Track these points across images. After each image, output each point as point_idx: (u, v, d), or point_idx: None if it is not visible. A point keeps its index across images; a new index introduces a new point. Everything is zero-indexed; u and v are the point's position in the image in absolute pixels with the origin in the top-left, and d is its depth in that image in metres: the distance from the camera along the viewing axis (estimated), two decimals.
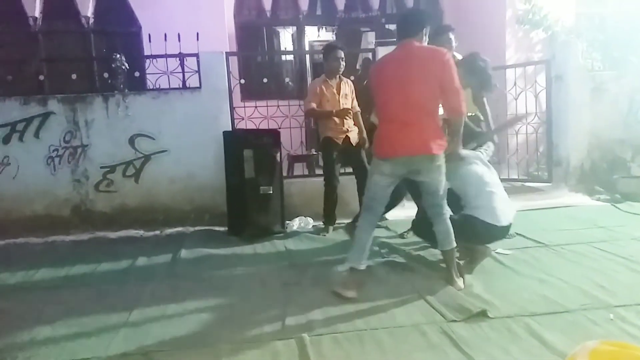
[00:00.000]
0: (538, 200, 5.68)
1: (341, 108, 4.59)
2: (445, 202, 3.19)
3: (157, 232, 5.00)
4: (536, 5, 7.24)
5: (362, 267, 3.16)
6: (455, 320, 2.66)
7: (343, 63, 4.64)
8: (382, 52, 5.40)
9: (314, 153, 6.02)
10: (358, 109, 4.86)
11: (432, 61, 2.99)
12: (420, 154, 3.03)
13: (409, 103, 3.01)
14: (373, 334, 2.56)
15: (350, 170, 4.89)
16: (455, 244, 3.20)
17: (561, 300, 2.86)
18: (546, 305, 2.82)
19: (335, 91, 4.67)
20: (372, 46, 7.00)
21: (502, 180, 4.69)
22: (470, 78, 3.63)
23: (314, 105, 4.59)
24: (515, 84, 6.22)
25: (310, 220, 5.04)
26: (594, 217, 4.88)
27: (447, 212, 3.21)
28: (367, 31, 8.79)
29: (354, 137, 4.72)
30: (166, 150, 5.19)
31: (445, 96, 3.01)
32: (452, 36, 4.28)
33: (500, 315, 2.71)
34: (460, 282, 3.18)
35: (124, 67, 5.17)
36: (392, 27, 8.91)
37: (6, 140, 5.03)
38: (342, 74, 4.71)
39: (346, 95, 4.74)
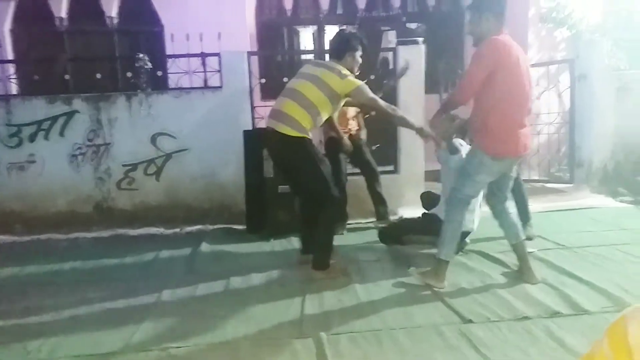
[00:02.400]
0: (559, 202, 5.60)
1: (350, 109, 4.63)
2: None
3: (177, 229, 5.06)
4: (560, 3, 7.13)
5: (452, 259, 3.24)
6: (472, 321, 2.65)
7: (360, 60, 4.63)
8: (402, 51, 5.38)
9: None
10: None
11: None
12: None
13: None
14: (390, 334, 2.56)
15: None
16: (522, 237, 3.31)
17: (582, 303, 2.82)
18: (566, 308, 2.78)
19: None
20: (392, 45, 6.96)
21: (523, 181, 4.65)
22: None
23: None
24: (537, 83, 6.13)
25: None
26: (617, 219, 4.79)
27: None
28: (388, 30, 8.75)
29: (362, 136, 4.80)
30: (187, 149, 5.25)
31: None
32: None
33: (520, 316, 2.68)
34: (536, 277, 3.23)
35: (146, 67, 5.24)
36: (413, 26, 8.87)
37: (32, 138, 5.14)
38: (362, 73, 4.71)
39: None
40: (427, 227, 3.88)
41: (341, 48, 3.58)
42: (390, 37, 8.59)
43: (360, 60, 3.63)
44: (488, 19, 3.05)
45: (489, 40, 3.00)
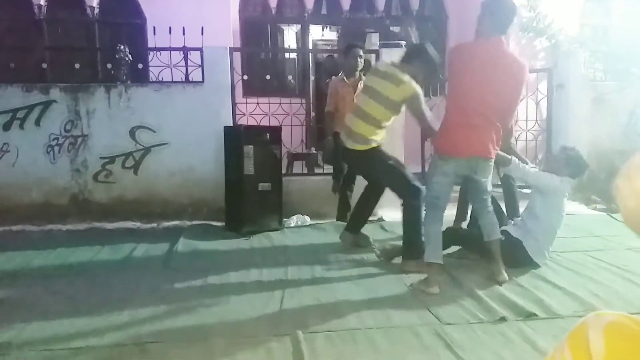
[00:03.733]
0: None
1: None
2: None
3: (155, 224, 5.00)
4: (540, 13, 7.26)
5: (441, 261, 3.22)
6: (449, 323, 2.68)
7: (361, 61, 4.79)
8: (385, 54, 5.42)
9: (314, 152, 6.03)
10: None
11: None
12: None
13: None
14: (367, 334, 2.57)
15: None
16: (495, 237, 3.35)
17: (555, 307, 2.88)
18: (540, 311, 2.83)
19: (351, 89, 4.75)
20: (375, 47, 7.00)
21: (498, 185, 4.75)
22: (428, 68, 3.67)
23: (331, 108, 4.76)
24: None
25: (307, 218, 5.05)
26: (590, 226, 4.90)
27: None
28: (372, 32, 8.80)
29: None
30: (166, 143, 5.20)
31: None
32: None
33: (495, 319, 2.72)
34: (505, 275, 3.29)
35: (127, 59, 5.17)
36: (397, 29, 8.93)
37: (6, 127, 5.03)
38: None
39: None
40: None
41: (413, 53, 3.66)
42: (374, 39, 8.64)
43: (421, 76, 3.63)
44: (483, 19, 3.12)
45: (452, 47, 3.25)
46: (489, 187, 3.37)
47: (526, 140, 6.28)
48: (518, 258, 3.57)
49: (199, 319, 2.79)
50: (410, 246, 3.65)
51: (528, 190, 5.15)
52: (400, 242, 3.88)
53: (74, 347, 2.44)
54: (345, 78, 4.80)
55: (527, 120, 6.36)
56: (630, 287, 3.25)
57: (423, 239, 3.40)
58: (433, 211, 3.28)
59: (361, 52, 4.80)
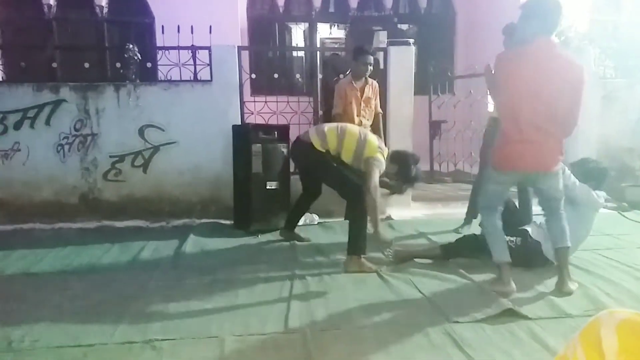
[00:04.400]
0: None
1: (361, 110, 4.83)
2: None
3: (164, 223, 5.03)
4: None
5: (509, 259, 3.16)
6: (458, 322, 2.67)
7: (371, 68, 4.80)
8: (393, 52, 5.41)
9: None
10: (380, 110, 5.07)
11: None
12: None
13: None
14: (375, 332, 2.57)
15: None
16: (565, 244, 3.19)
17: (565, 306, 2.86)
18: (550, 310, 2.82)
19: (358, 94, 4.81)
20: (383, 45, 6.99)
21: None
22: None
23: (339, 110, 4.80)
24: None
25: (315, 217, 5.06)
26: (600, 225, 4.82)
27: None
28: (379, 30, 8.78)
29: None
30: (175, 142, 5.22)
31: None
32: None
33: (504, 318, 2.71)
34: (572, 285, 3.13)
35: (136, 58, 5.19)
36: (404, 26, 8.91)
37: (17, 126, 5.07)
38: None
39: (369, 98, 4.89)
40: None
41: (397, 158, 3.81)
42: (382, 38, 8.63)
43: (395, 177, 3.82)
44: (526, 21, 2.93)
45: (496, 57, 3.07)
46: (557, 194, 3.16)
47: None
48: (534, 260, 3.54)
49: (208, 316, 2.80)
50: (356, 240, 3.65)
51: None
52: (412, 243, 3.95)
53: (85, 345, 2.46)
54: (353, 81, 4.82)
55: None
56: None
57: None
58: (490, 214, 3.21)
59: (371, 60, 4.77)
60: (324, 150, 3.80)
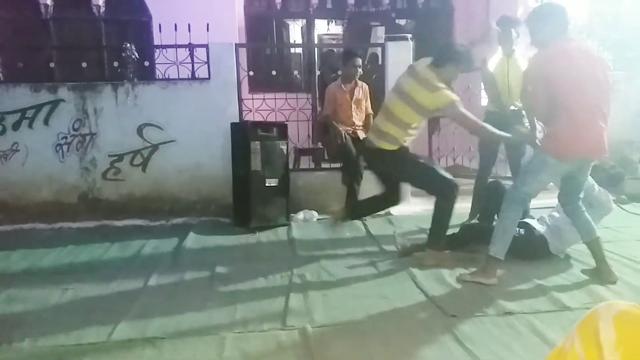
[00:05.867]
0: (542, 199, 5.63)
1: (352, 112, 4.94)
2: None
3: (163, 221, 5.03)
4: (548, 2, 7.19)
5: (503, 258, 3.17)
6: (457, 316, 2.67)
7: (360, 70, 4.89)
8: (391, 47, 5.39)
9: (321, 147, 6.02)
10: (371, 111, 5.14)
11: None
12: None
13: None
14: (375, 327, 2.58)
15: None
16: (595, 235, 3.22)
17: (565, 299, 2.86)
18: (549, 304, 2.83)
19: (348, 97, 4.92)
20: (381, 41, 6.98)
21: (503, 178, 4.74)
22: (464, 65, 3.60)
23: (329, 112, 4.91)
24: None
25: (314, 213, 5.06)
26: None
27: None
28: (377, 26, 8.76)
29: (360, 135, 4.92)
30: (174, 140, 5.21)
31: None
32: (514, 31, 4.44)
33: (503, 312, 2.72)
34: (614, 274, 3.16)
35: (133, 57, 5.19)
36: (402, 22, 8.89)
37: (16, 126, 5.06)
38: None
39: (359, 100, 5.00)
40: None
41: (443, 55, 3.49)
42: (380, 33, 8.62)
43: (457, 74, 3.58)
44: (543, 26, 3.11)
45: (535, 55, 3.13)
46: (587, 183, 3.34)
47: (539, 131, 6.24)
48: (539, 253, 3.56)
49: (208, 313, 2.81)
50: (434, 238, 3.60)
51: None
52: (414, 238, 3.96)
53: (85, 343, 2.47)
54: (342, 85, 4.95)
55: None
56: None
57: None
58: (518, 206, 3.21)
59: (360, 62, 4.89)
60: (396, 148, 3.52)
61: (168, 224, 5.00)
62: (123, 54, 5.18)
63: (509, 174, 4.77)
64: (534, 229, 3.60)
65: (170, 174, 5.25)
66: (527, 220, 3.69)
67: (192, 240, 4.35)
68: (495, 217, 3.63)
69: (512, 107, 4.44)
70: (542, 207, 4.28)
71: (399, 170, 3.64)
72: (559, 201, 3.44)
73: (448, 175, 3.57)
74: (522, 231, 3.53)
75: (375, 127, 3.68)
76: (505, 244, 3.16)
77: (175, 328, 2.62)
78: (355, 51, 5.05)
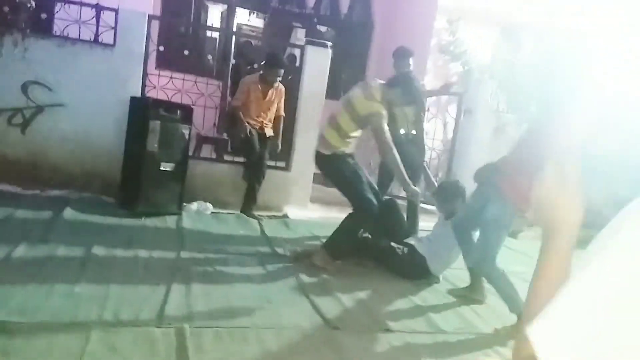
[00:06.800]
0: (429, 222, 5.93)
1: (262, 110, 4.98)
2: None
3: (38, 191, 4.55)
4: (459, 39, 7.61)
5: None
6: (339, 329, 2.67)
7: (279, 80, 4.94)
8: (311, 51, 5.38)
9: (225, 137, 5.84)
10: (282, 113, 5.20)
11: None
12: None
13: None
14: (257, 332, 2.50)
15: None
16: None
17: (440, 322, 2.98)
18: (425, 325, 2.94)
19: (261, 95, 4.94)
20: (301, 43, 6.95)
21: (397, 197, 4.92)
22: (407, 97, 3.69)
23: (238, 103, 4.91)
24: (428, 109, 6.47)
25: (209, 205, 4.85)
26: None
27: None
28: (298, 27, 8.73)
29: (268, 132, 5.00)
30: (62, 105, 4.74)
31: None
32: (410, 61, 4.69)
33: (384, 329, 2.77)
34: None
35: (29, 5, 4.65)
36: (323, 29, 8.94)
37: None
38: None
39: (271, 101, 5.04)
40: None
41: (398, 80, 3.71)
42: (300, 35, 8.58)
43: (402, 103, 3.76)
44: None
45: None
46: None
47: (430, 158, 6.55)
48: (419, 273, 3.66)
49: (75, 300, 2.54)
50: (333, 244, 3.68)
51: (427, 206, 5.39)
52: (307, 245, 4.07)
53: None
54: (259, 85, 4.94)
55: (433, 139, 6.65)
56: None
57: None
58: (494, 265, 3.09)
59: (282, 73, 4.91)
60: (329, 153, 3.65)
61: (43, 194, 4.52)
62: (16, 0, 4.62)
63: (403, 194, 4.93)
64: (416, 250, 3.74)
65: (53, 141, 4.76)
66: (411, 240, 3.83)
67: (69, 215, 3.98)
68: (387, 233, 3.76)
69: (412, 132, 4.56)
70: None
71: (330, 175, 3.83)
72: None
73: (372, 198, 3.60)
74: (405, 250, 3.67)
75: (320, 132, 3.85)
76: (516, 297, 2.95)
77: (33, 312, 2.34)
78: (281, 62, 5.05)
